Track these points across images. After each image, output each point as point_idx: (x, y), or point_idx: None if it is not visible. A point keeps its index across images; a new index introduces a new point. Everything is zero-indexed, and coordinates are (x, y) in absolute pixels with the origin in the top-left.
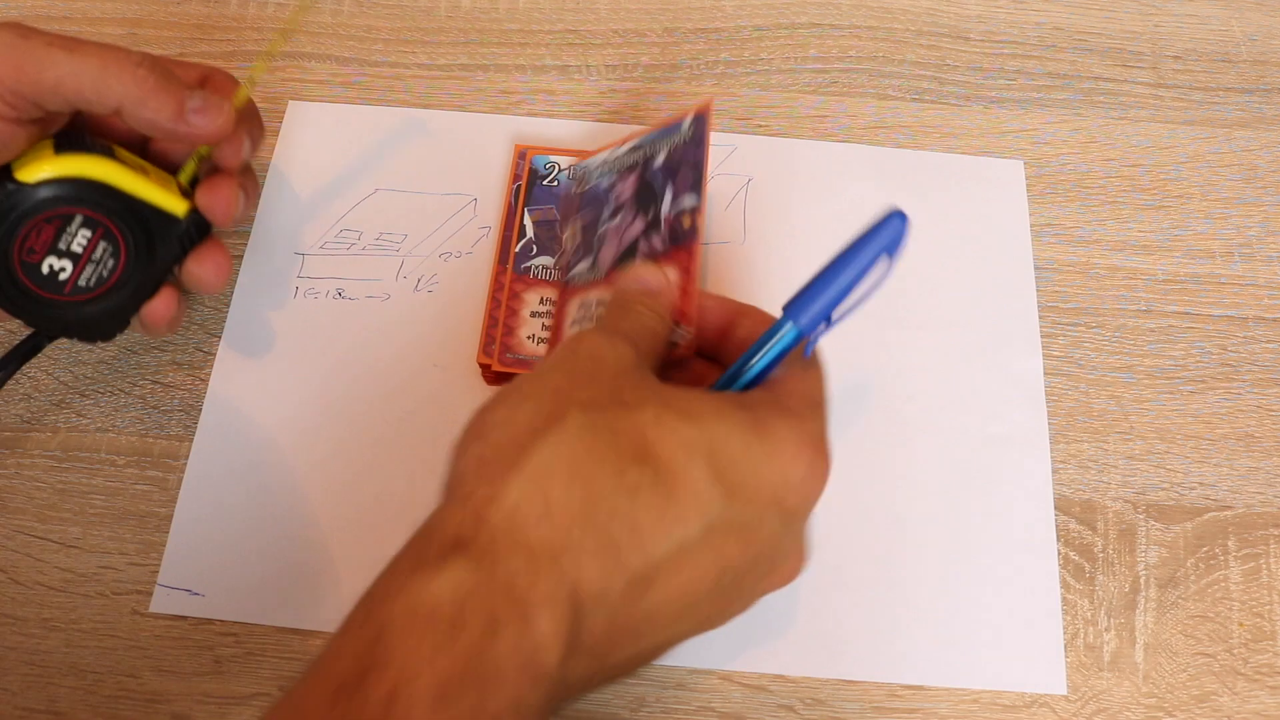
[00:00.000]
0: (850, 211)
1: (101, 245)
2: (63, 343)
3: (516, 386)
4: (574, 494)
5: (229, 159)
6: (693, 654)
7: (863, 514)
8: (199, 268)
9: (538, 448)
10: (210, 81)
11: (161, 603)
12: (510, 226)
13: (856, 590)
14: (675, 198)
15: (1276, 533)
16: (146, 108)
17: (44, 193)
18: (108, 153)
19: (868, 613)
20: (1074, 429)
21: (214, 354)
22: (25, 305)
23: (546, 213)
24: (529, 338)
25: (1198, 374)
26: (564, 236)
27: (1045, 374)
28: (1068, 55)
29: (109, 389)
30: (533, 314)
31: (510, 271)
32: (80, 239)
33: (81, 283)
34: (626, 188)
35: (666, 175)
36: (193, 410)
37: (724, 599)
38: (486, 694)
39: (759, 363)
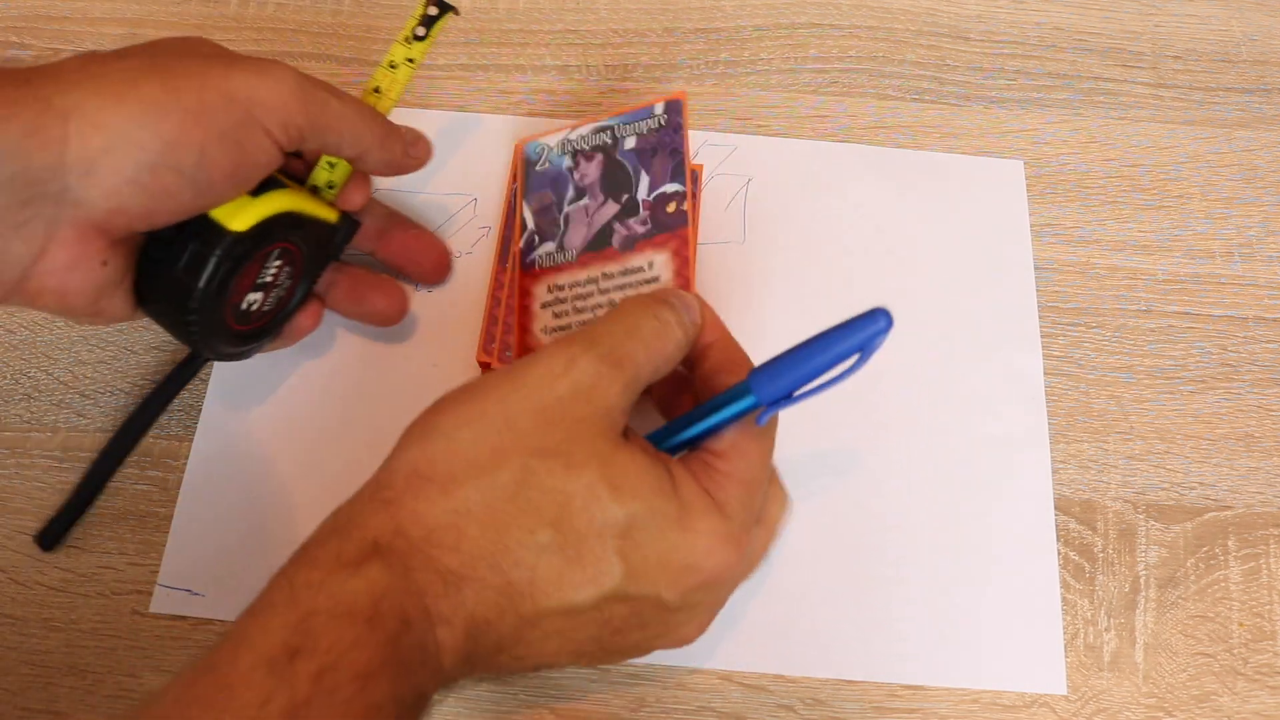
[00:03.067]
0: (850, 211)
1: (285, 270)
2: (62, 342)
3: (479, 398)
4: (486, 537)
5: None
6: (693, 654)
7: (862, 513)
8: (381, 300)
9: (469, 484)
10: None
11: (161, 603)
12: (510, 225)
13: (856, 590)
14: (654, 183)
15: (1276, 533)
16: (385, 150)
17: (255, 238)
18: (280, 182)
19: (868, 613)
20: (1074, 429)
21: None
22: (219, 342)
23: (543, 198)
24: (543, 330)
25: (1198, 374)
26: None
27: (1045, 374)
28: (1068, 55)
29: (109, 389)
30: (543, 305)
31: (516, 269)
32: (272, 269)
33: (266, 308)
34: (591, 169)
35: (640, 160)
36: (193, 410)
37: (605, 646)
38: (399, 682)
39: (710, 421)
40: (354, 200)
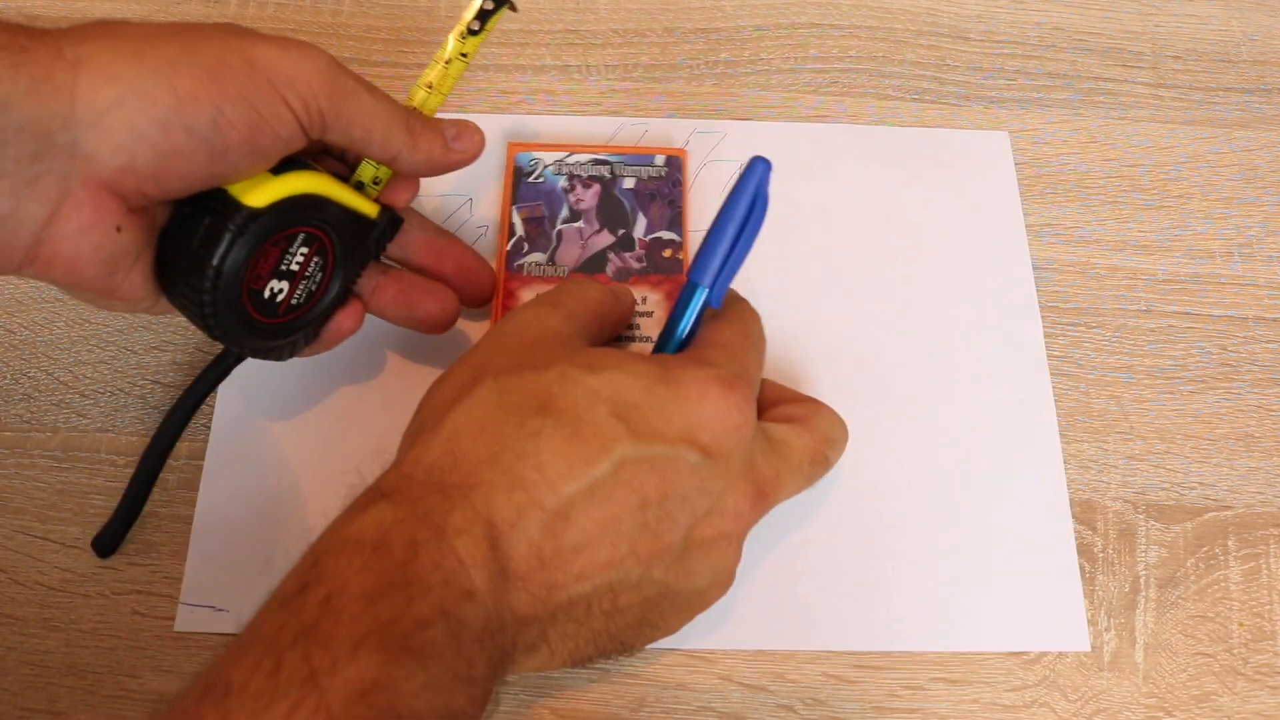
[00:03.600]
0: (839, 189)
1: (314, 261)
2: (62, 342)
3: (450, 368)
4: (480, 444)
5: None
6: (711, 628)
7: (865, 513)
8: (434, 304)
9: (452, 413)
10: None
11: (186, 621)
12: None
13: (866, 565)
14: (651, 227)
15: (1276, 533)
16: (419, 152)
17: (274, 216)
18: (308, 164)
19: (891, 587)
20: (1074, 429)
21: (213, 354)
22: (242, 334)
23: (534, 209)
24: None
25: (1198, 374)
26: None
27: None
28: (1068, 55)
29: (109, 389)
30: None
31: (503, 269)
32: (299, 257)
33: (294, 301)
34: (588, 197)
35: (637, 201)
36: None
37: (657, 535)
38: (411, 599)
39: (680, 327)
40: (400, 197)
